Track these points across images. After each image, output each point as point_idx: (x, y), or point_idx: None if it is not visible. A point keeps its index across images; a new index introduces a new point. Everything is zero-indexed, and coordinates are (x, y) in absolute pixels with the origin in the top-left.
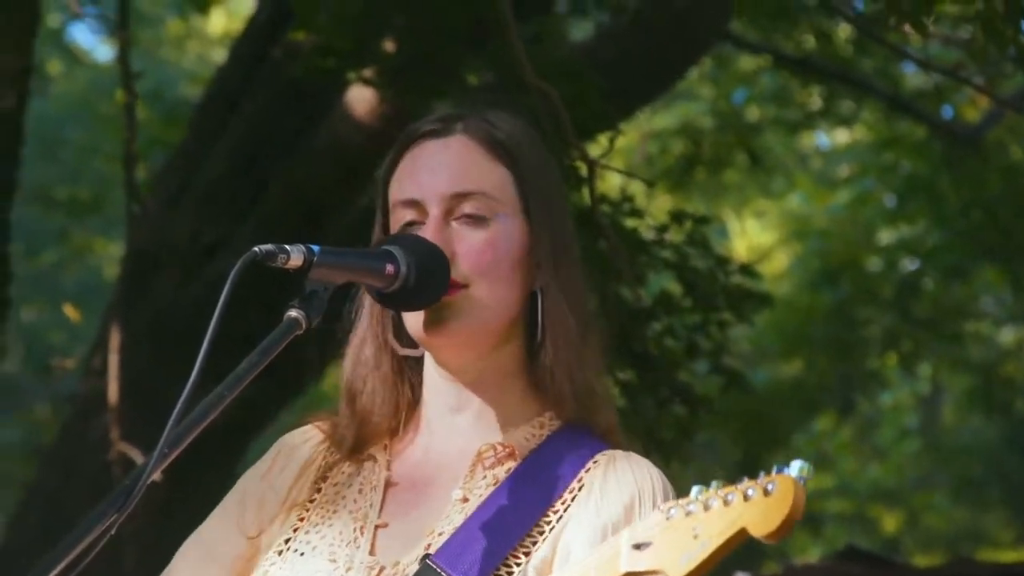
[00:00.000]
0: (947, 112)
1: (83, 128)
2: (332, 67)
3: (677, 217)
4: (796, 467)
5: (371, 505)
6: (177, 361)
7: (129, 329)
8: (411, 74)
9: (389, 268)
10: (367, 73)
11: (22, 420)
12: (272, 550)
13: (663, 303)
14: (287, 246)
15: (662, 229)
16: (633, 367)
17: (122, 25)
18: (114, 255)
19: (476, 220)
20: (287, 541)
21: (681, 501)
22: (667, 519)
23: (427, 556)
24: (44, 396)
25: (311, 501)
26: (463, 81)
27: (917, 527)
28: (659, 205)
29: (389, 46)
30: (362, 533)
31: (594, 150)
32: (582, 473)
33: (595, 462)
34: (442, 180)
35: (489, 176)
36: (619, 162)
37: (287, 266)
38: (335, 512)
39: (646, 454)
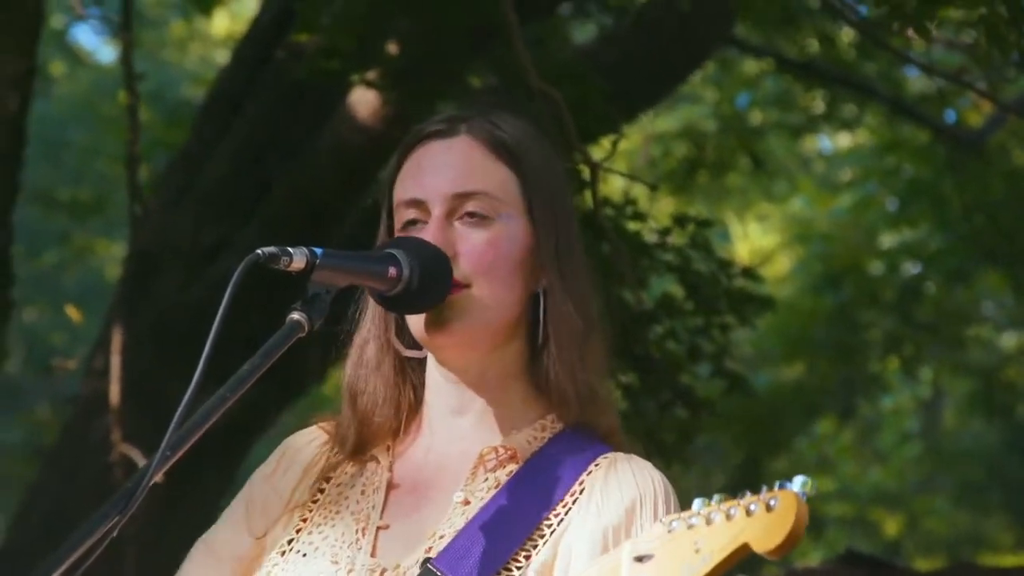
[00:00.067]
0: (950, 116)
1: (86, 129)
2: (335, 69)
3: (679, 220)
4: (799, 482)
5: (373, 507)
6: (179, 362)
7: (131, 330)
8: (414, 76)
9: (391, 271)
10: (370, 75)
11: (23, 421)
12: (275, 551)
13: (665, 306)
14: (290, 248)
15: (664, 232)
16: (635, 370)
17: (125, 26)
18: (116, 256)
19: (479, 220)
20: (290, 542)
21: (683, 514)
22: (669, 532)
23: (428, 560)
24: (45, 397)
25: (314, 502)
26: (466, 83)
27: (918, 531)
28: (661, 208)
29: (392, 48)
30: (364, 535)
31: (597, 153)
32: (583, 476)
33: (596, 465)
34: (445, 180)
35: (492, 176)
36: (622, 165)
37: (290, 268)
38: (337, 513)
39: (647, 457)
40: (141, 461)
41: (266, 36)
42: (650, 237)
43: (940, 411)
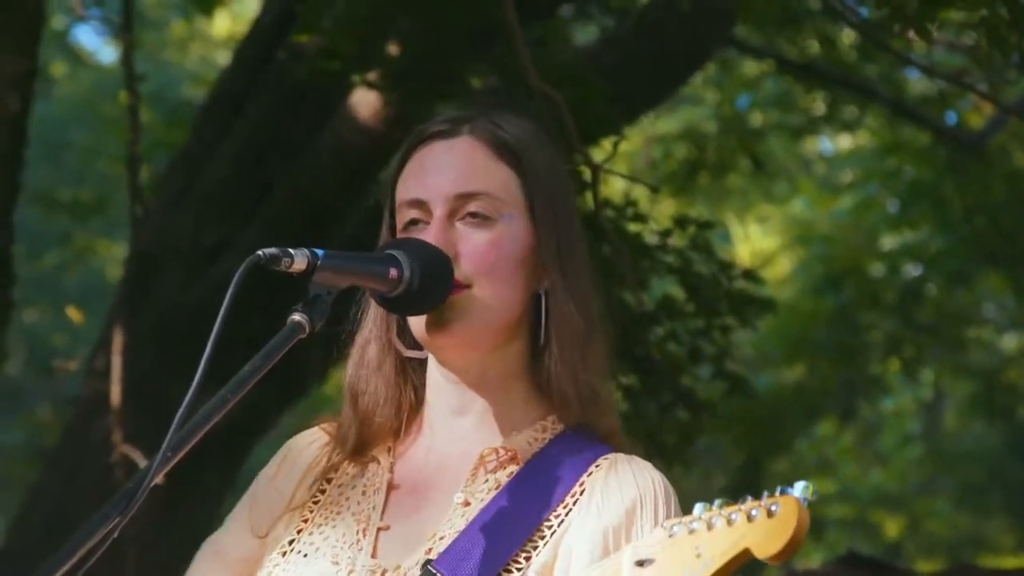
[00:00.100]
0: (951, 118)
1: (87, 130)
2: (336, 70)
3: (680, 222)
4: (800, 488)
5: (374, 507)
6: (180, 363)
7: (132, 331)
8: (415, 77)
9: (393, 272)
10: (371, 76)
11: (24, 422)
12: (276, 551)
13: (666, 308)
14: (291, 250)
15: (665, 234)
16: (636, 371)
17: (126, 27)
18: (117, 257)
19: (480, 220)
20: (291, 542)
21: (684, 519)
22: (670, 536)
23: (428, 561)
24: (46, 398)
25: (315, 502)
26: (467, 85)
27: (919, 532)
28: (662, 210)
29: (393, 49)
30: (364, 535)
31: (598, 154)
32: (584, 477)
33: (597, 466)
34: (447, 180)
35: (494, 177)
36: (622, 167)
37: (291, 270)
38: (338, 514)
39: (648, 458)
40: (142, 462)
41: (267, 37)
42: (651, 239)
43: (941, 413)
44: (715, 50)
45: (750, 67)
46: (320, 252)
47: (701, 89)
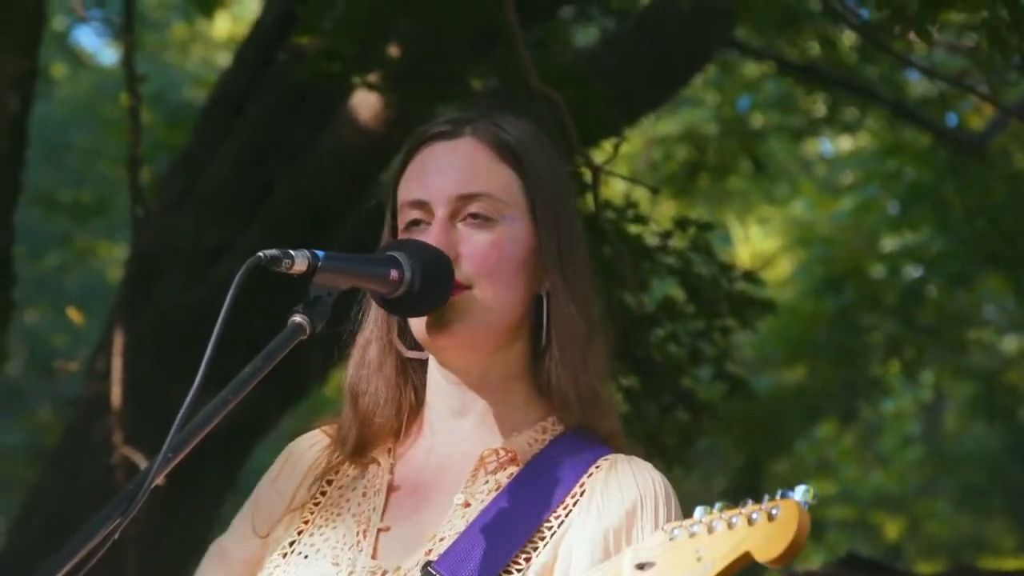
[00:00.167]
0: (951, 120)
1: (87, 131)
2: (337, 72)
3: (681, 223)
4: (801, 491)
5: (374, 509)
6: (181, 364)
7: (133, 332)
8: (416, 79)
9: (393, 274)
10: (372, 78)
11: (25, 423)
12: (277, 552)
13: (666, 309)
14: (292, 251)
15: (666, 235)
16: (636, 373)
17: (127, 28)
18: (118, 258)
19: (482, 222)
20: (291, 543)
21: (685, 522)
22: (671, 539)
23: (429, 563)
24: (47, 399)
25: (315, 504)
26: (468, 86)
27: (919, 534)
28: (663, 211)
29: (394, 51)
30: (364, 537)
31: (598, 156)
32: (584, 478)
33: (597, 467)
34: (449, 181)
35: (496, 178)
36: (623, 168)
37: (291, 271)
38: (339, 515)
39: (648, 459)
40: (143, 463)
41: (268, 38)
42: (651, 240)
43: (941, 414)
44: (715, 52)
45: (751, 69)
46: (321, 253)
47: (701, 91)
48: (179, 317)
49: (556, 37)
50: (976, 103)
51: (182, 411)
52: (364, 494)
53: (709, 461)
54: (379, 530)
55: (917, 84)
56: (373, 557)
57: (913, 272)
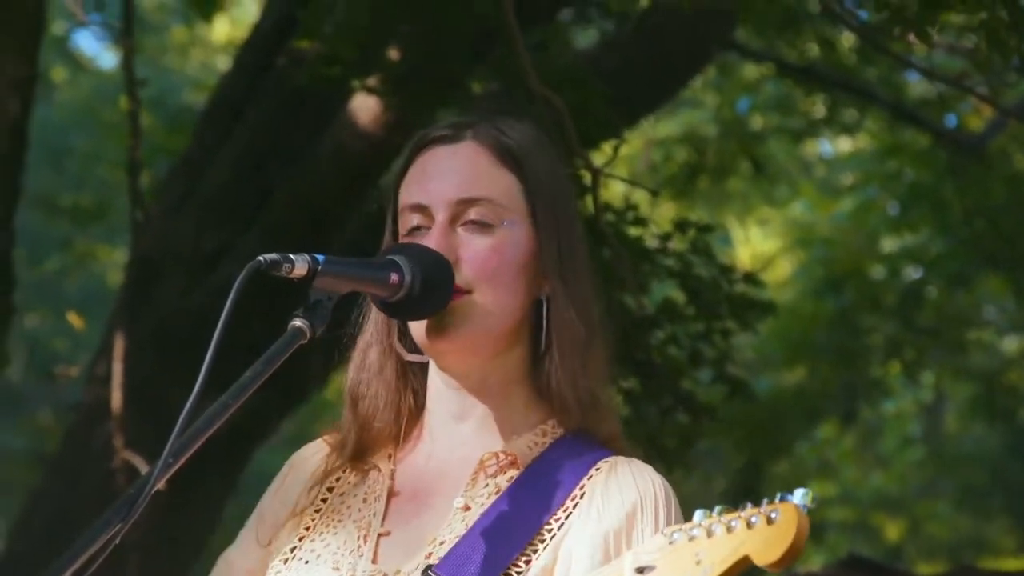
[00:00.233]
0: (951, 121)
1: (87, 135)
2: (336, 75)
3: (681, 225)
4: (800, 495)
5: (374, 514)
6: (181, 369)
7: (133, 337)
8: (415, 82)
9: (393, 278)
10: (371, 81)
11: (25, 427)
12: (278, 558)
13: (667, 311)
14: (291, 255)
15: (666, 237)
16: (636, 375)
17: (126, 32)
18: (118, 262)
19: (482, 227)
20: (292, 549)
21: (684, 525)
22: (670, 543)
23: (429, 566)
24: (47, 403)
25: (317, 511)
26: (467, 90)
27: (920, 535)
28: (663, 213)
29: (393, 54)
30: (365, 541)
31: (598, 158)
32: (584, 480)
33: (597, 469)
34: (449, 186)
35: (497, 183)
36: (623, 170)
37: (291, 275)
38: (340, 521)
39: (648, 462)
40: (143, 468)
41: (267, 42)
42: (651, 242)
43: (942, 415)
44: (715, 53)
45: (750, 70)
46: (321, 258)
47: (701, 92)
48: (179, 321)
49: (555, 39)
50: (975, 104)
51: (183, 416)
52: (365, 500)
53: (709, 463)
54: (379, 535)
55: (916, 85)
56: (373, 561)
57: (913, 273)
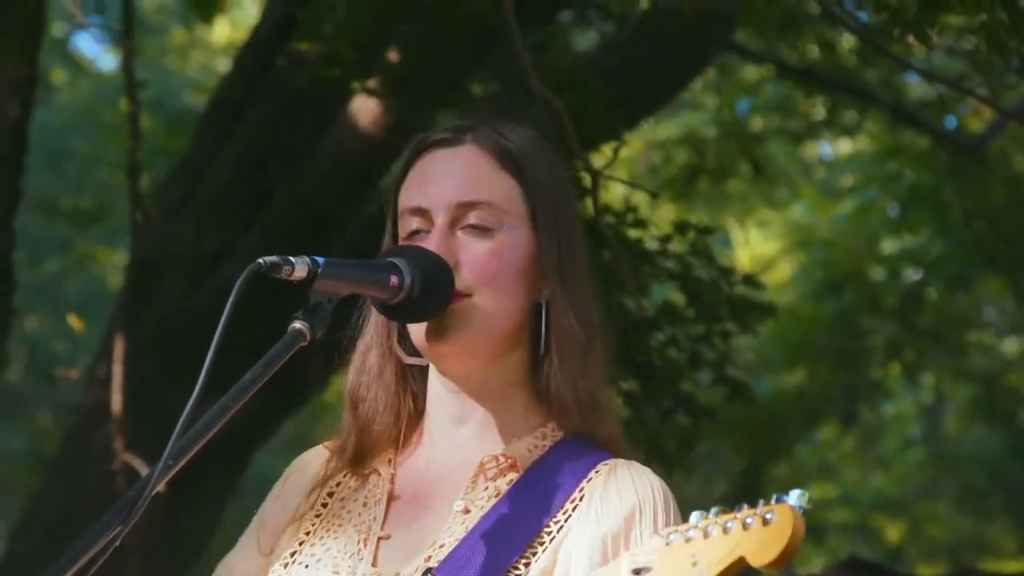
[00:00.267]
0: (951, 122)
1: (87, 137)
2: (336, 77)
3: (681, 227)
4: (795, 496)
5: (375, 518)
6: (181, 371)
7: (133, 339)
8: (415, 84)
9: (393, 280)
10: (371, 83)
11: (25, 429)
12: (278, 562)
13: (666, 313)
14: (291, 258)
15: (665, 239)
16: (636, 377)
17: (126, 34)
18: (118, 264)
19: (482, 230)
20: (292, 554)
21: (681, 527)
22: (667, 544)
23: (429, 569)
24: (47, 405)
25: (317, 516)
26: (467, 91)
27: (920, 537)
28: (663, 215)
29: (393, 56)
30: (365, 545)
31: (598, 160)
32: (583, 483)
33: (597, 472)
34: (449, 189)
35: (497, 186)
36: (622, 172)
37: (291, 278)
38: (340, 526)
39: (648, 464)
40: (143, 470)
41: (267, 44)
42: (651, 244)
43: (942, 417)
44: (715, 55)
45: (750, 72)
46: (321, 260)
47: (701, 94)
48: (179, 323)
49: (555, 41)
50: (975, 106)
51: (183, 418)
52: (365, 504)
53: (709, 465)
54: (379, 538)
55: (916, 87)
56: (373, 565)
57: (913, 275)
